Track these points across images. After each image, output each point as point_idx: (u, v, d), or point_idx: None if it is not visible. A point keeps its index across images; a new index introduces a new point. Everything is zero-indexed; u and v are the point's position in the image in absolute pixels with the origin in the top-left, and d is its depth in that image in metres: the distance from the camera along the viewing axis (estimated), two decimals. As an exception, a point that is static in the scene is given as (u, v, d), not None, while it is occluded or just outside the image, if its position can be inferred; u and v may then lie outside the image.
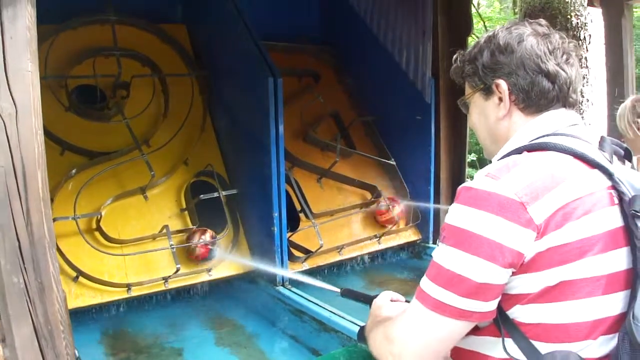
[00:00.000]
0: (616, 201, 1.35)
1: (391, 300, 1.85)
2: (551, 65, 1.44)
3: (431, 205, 4.92)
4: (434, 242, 5.00)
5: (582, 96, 6.04)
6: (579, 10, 5.90)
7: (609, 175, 1.36)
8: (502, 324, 1.36)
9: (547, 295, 1.30)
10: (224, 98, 4.47)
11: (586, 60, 6.00)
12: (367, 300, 2.31)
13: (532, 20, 1.51)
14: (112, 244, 3.78)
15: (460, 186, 1.37)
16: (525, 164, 1.34)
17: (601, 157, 1.40)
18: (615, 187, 1.35)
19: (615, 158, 1.49)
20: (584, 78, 6.02)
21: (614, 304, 1.33)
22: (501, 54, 1.47)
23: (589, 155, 1.37)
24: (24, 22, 1.59)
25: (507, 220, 1.25)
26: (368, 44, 5.22)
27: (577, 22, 5.90)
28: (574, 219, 1.27)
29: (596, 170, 1.37)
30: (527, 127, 1.48)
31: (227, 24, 4.21)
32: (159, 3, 4.79)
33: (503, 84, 1.47)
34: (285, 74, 3.86)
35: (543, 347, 1.33)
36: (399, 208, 4.80)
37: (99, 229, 3.75)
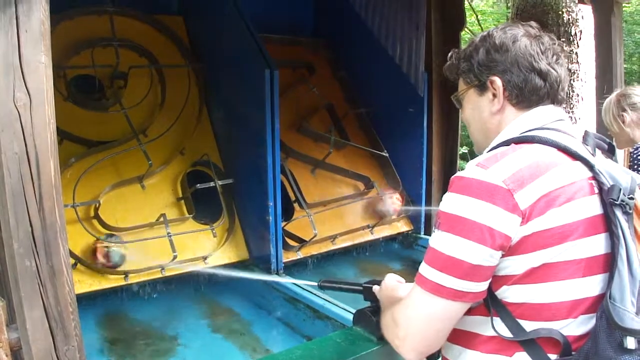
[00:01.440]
0: (596, 190, 1.45)
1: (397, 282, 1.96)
2: (543, 65, 1.54)
3: (423, 196, 5.00)
4: (426, 233, 5.08)
5: (573, 91, 6.12)
6: (570, 7, 5.98)
7: (590, 166, 1.47)
8: (491, 303, 1.46)
9: (532, 276, 1.40)
10: (220, 89, 4.51)
11: (577, 56, 6.08)
12: (354, 289, 2.40)
13: (524, 23, 1.61)
14: (110, 231, 3.83)
15: (453, 176, 1.47)
16: (513, 154, 1.45)
17: (583, 150, 1.51)
18: (595, 177, 1.46)
19: (599, 152, 1.58)
20: (574, 73, 6.11)
21: (593, 285, 1.44)
22: (496, 53, 1.57)
23: (572, 148, 1.48)
24: (38, 16, 1.65)
25: (496, 206, 1.35)
26: (362, 37, 5.27)
27: (569, 19, 5.98)
28: (556, 205, 1.38)
29: (578, 162, 1.48)
30: (517, 121, 1.58)
31: (223, 16, 4.24)
32: (156, -6, 4.83)
33: (498, 81, 1.57)
34: (279, 66, 3.90)
35: (528, 325, 1.43)
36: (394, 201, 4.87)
37: (97, 217, 3.80)
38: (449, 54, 1.75)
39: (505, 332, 1.45)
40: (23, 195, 1.67)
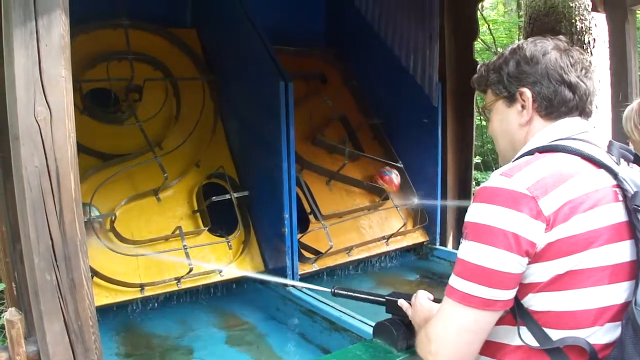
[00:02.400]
0: (620, 198, 1.45)
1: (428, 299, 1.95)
2: (573, 77, 1.56)
3: (438, 206, 4.98)
4: (441, 244, 5.06)
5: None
6: (583, 15, 5.94)
7: (614, 174, 1.47)
8: (517, 312, 1.46)
9: (557, 283, 1.40)
10: (234, 101, 4.52)
11: (590, 64, 6.06)
12: (375, 300, 2.39)
13: (553, 37, 1.63)
14: (126, 244, 3.83)
15: (478, 187, 1.48)
16: (536, 163, 1.46)
17: (607, 159, 1.51)
18: (619, 185, 1.46)
19: (624, 162, 1.57)
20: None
21: (619, 293, 1.44)
22: (527, 65, 1.58)
23: (596, 156, 1.48)
24: (58, 31, 1.66)
25: (520, 213, 1.36)
26: (375, 47, 5.27)
27: (582, 27, 5.94)
28: (580, 212, 1.38)
29: (602, 170, 1.48)
30: (544, 132, 1.59)
31: (237, 29, 4.26)
32: (170, 8, 4.85)
33: (527, 92, 1.58)
34: (293, 78, 3.91)
35: (554, 334, 1.43)
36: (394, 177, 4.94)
37: (113, 229, 3.80)
38: (478, 66, 1.76)
39: (532, 342, 1.44)
40: (43, 208, 1.68)
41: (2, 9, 1.66)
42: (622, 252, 1.43)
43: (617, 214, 1.44)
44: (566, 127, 1.58)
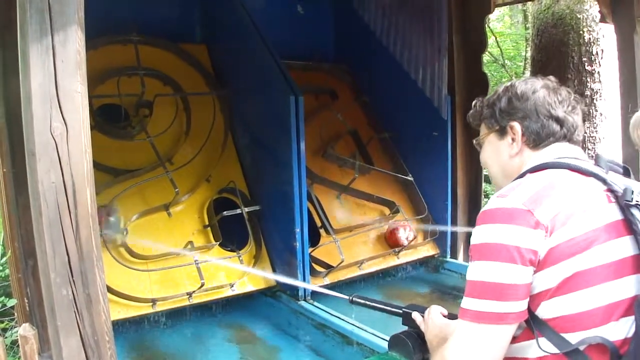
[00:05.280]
0: (612, 200, 1.54)
1: (441, 314, 1.95)
2: (560, 112, 1.68)
3: (448, 220, 4.97)
4: (452, 257, 5.05)
5: (596, 110, 6.08)
6: (591, 26, 5.93)
7: (603, 180, 1.57)
8: (533, 325, 1.49)
9: (566, 286, 1.46)
10: (244, 116, 4.54)
11: (599, 75, 6.03)
12: (391, 311, 2.38)
13: (544, 77, 1.76)
14: (137, 259, 3.83)
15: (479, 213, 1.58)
16: (528, 181, 1.59)
17: (596, 168, 1.61)
18: (609, 189, 1.55)
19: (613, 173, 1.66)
20: (597, 93, 6.07)
21: (628, 286, 1.50)
22: (517, 101, 1.71)
23: (583, 167, 1.59)
24: (74, 46, 1.67)
25: (519, 226, 1.45)
26: (384, 62, 5.29)
27: (590, 38, 5.94)
28: (576, 216, 1.48)
29: (591, 178, 1.58)
30: (535, 158, 1.70)
31: (247, 44, 4.28)
32: (180, 24, 4.88)
33: (517, 126, 1.71)
34: (303, 92, 3.92)
35: (572, 337, 1.47)
36: (407, 232, 4.83)
37: (124, 244, 3.81)
38: (473, 102, 1.88)
39: (552, 349, 1.47)
40: (60, 224, 1.68)
41: (18, 25, 1.67)
42: (623, 247, 1.50)
43: (612, 213, 1.52)
44: (555, 151, 1.68)
